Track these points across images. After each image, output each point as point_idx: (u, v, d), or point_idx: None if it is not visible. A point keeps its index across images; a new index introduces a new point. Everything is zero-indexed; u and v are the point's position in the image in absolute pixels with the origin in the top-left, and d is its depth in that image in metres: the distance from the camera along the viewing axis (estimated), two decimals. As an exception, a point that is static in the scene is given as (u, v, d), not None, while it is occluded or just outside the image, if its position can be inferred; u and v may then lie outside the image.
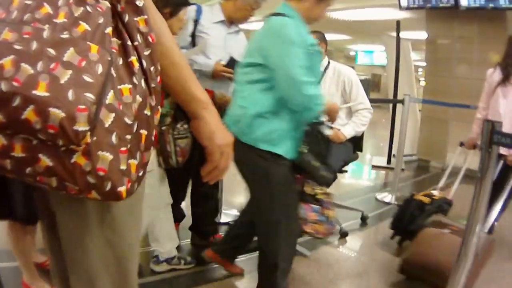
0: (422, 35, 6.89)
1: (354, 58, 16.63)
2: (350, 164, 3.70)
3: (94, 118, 0.73)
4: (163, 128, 2.34)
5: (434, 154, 6.79)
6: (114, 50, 0.81)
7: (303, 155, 2.09)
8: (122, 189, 0.81)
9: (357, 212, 3.98)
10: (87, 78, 0.72)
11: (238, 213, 3.64)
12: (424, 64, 7.44)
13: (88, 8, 0.79)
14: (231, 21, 2.99)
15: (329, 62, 3.43)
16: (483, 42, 5.91)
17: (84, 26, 0.77)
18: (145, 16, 0.88)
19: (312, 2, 2.06)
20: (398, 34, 6.34)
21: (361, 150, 3.62)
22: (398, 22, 6.29)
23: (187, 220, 3.23)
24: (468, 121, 6.30)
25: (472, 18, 5.86)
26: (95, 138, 0.75)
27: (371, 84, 18.57)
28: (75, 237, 0.98)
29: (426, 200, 3.27)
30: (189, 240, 3.21)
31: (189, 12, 2.82)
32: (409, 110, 4.85)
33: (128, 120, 0.80)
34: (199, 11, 2.92)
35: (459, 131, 6.19)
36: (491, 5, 5.39)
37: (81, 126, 0.71)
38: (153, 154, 2.20)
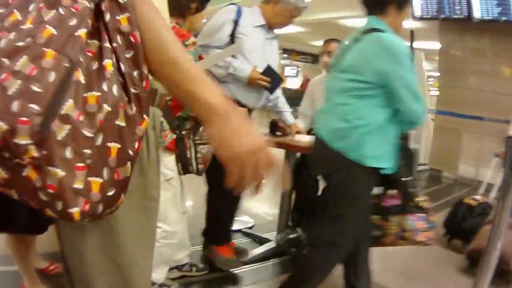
0: (435, 45, 6.88)
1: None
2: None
3: (40, 131, 0.67)
4: (183, 132, 2.23)
5: (446, 165, 6.74)
6: (90, 54, 0.75)
7: (400, 169, 2.09)
8: (74, 210, 0.73)
9: None
10: (35, 88, 0.67)
11: (249, 220, 3.74)
12: (435, 74, 7.43)
13: (61, 10, 0.74)
14: (270, 26, 2.86)
15: None
16: (496, 55, 5.91)
17: (50, 30, 0.72)
18: (128, 14, 0.80)
19: (394, 14, 2.05)
20: (411, 44, 6.32)
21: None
22: (412, 32, 6.27)
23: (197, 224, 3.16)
24: (481, 132, 6.36)
25: (485, 30, 5.85)
26: (45, 152, 0.69)
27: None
28: (72, 245, 0.95)
29: (474, 203, 3.68)
30: (201, 246, 3.11)
31: (229, 12, 2.75)
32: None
33: (87, 133, 0.73)
34: (239, 12, 2.77)
35: (472, 141, 6.18)
36: (504, 18, 5.39)
37: (22, 139, 0.66)
38: (172, 160, 2.19)
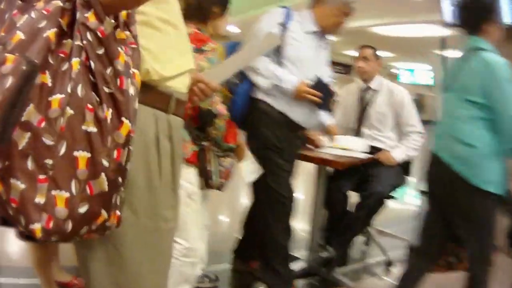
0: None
1: (396, 76, 16.33)
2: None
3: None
4: (204, 143, 2.07)
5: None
6: (62, 54, 0.71)
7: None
8: (36, 227, 0.68)
9: (403, 241, 3.71)
10: None
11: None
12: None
13: (33, 14, 0.71)
14: (323, 31, 2.53)
15: (382, 80, 3.31)
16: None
17: (19, 35, 0.69)
18: (93, 10, 0.75)
19: (494, 31, 2.04)
20: (443, 52, 6.13)
21: (408, 174, 3.44)
22: (443, 40, 6.09)
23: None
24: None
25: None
26: (7, 163, 0.66)
27: (416, 105, 18.13)
28: (81, 261, 0.94)
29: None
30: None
31: (275, 14, 2.48)
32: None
33: (48, 141, 0.67)
34: (288, 16, 2.47)
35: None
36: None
37: None
38: (193, 173, 2.09)
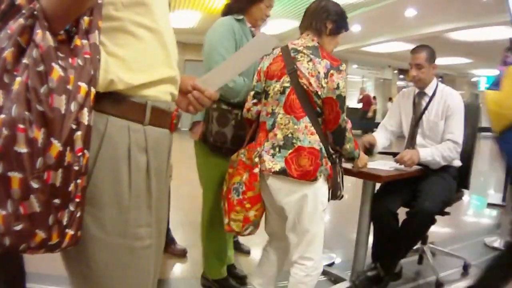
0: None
1: (477, 84, 15.49)
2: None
3: None
4: (334, 156, 2.15)
5: None
6: (16, 73, 0.72)
7: None
8: None
9: (459, 260, 3.47)
10: None
11: (331, 255, 3.48)
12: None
13: (1, 34, 0.74)
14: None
15: (437, 85, 3.09)
16: None
17: None
18: (38, 22, 0.75)
19: None
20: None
21: (467, 188, 3.21)
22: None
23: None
24: None
25: None
26: None
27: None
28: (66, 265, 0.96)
29: None
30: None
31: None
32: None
33: None
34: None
35: None
36: None
37: None
38: (325, 188, 2.10)
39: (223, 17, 2.51)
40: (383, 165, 2.81)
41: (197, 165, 2.67)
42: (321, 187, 2.06)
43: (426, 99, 3.07)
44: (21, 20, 0.74)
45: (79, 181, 0.79)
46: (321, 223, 2.12)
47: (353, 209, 3.29)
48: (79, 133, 0.77)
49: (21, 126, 0.70)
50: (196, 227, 3.53)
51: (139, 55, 0.93)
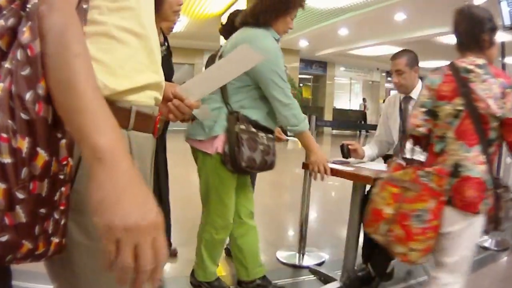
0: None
1: None
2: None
3: None
4: (499, 190, 1.98)
5: None
6: None
7: None
8: None
9: None
10: None
11: (322, 255, 3.53)
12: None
13: None
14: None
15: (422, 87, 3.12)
16: None
17: None
18: (30, 23, 0.70)
19: None
20: (504, 59, 5.80)
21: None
22: (502, 45, 5.75)
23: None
24: None
25: None
26: None
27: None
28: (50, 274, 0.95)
29: None
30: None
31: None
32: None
33: None
34: None
35: None
36: None
37: None
38: (482, 220, 2.00)
39: (265, 32, 2.43)
40: (374, 166, 2.82)
41: (203, 176, 2.57)
42: (480, 219, 1.98)
43: (413, 103, 3.04)
44: (1, 22, 0.70)
45: (63, 189, 0.77)
46: (470, 253, 2.03)
47: (343, 208, 3.30)
48: (63, 141, 0.75)
49: (4, 135, 0.67)
50: (184, 226, 3.51)
51: (124, 60, 0.90)
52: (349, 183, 2.87)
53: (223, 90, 2.42)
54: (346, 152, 3.00)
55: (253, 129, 2.41)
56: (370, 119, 21.64)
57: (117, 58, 0.89)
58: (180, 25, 12.62)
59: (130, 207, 0.66)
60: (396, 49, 3.29)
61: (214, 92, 2.28)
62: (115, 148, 0.69)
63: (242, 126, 2.37)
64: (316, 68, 22.07)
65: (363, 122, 21.19)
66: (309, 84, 23.39)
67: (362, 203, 2.85)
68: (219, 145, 2.40)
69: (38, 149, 0.70)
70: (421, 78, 2.97)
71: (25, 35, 0.69)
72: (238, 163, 2.34)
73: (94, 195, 0.67)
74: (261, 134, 2.44)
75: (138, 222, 0.66)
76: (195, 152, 2.57)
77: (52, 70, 0.69)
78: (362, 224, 2.89)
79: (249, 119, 2.41)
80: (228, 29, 3.01)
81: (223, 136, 2.39)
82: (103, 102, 0.71)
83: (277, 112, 2.46)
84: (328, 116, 21.11)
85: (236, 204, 2.64)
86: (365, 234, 2.98)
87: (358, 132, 20.61)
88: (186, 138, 2.56)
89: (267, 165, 2.46)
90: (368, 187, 2.91)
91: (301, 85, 20.73)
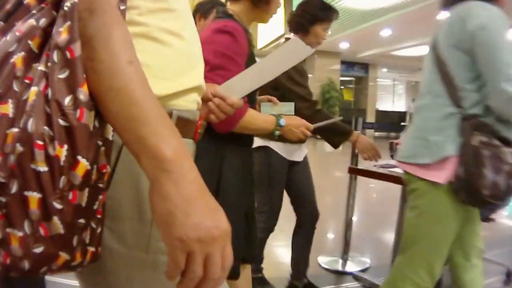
0: None
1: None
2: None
3: None
4: None
5: None
6: (27, 81, 0.65)
7: None
8: None
9: (500, 267, 3.33)
10: None
11: (365, 260, 3.44)
12: None
13: (8, 37, 0.67)
14: None
15: None
16: None
17: None
18: (69, 23, 0.65)
19: None
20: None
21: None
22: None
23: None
24: None
25: None
26: None
27: None
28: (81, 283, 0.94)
29: None
30: None
31: None
32: None
33: (1, 178, 0.63)
34: None
35: None
36: None
37: None
38: None
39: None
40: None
41: (417, 211, 1.88)
42: None
43: None
44: (31, 21, 0.67)
45: (100, 197, 0.75)
46: None
47: (386, 212, 3.22)
48: (103, 148, 0.72)
49: (39, 142, 0.63)
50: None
51: (165, 63, 0.88)
52: (390, 187, 2.79)
53: (448, 86, 1.78)
54: (395, 151, 2.93)
55: (497, 142, 1.69)
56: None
57: (158, 61, 0.87)
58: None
59: (202, 218, 0.65)
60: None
61: (431, 91, 1.84)
62: (182, 158, 0.67)
63: (484, 138, 1.68)
64: (358, 70, 21.83)
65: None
66: (351, 86, 23.13)
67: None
68: (451, 169, 1.73)
69: (79, 157, 0.66)
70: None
71: (62, 36, 0.65)
72: (477, 192, 1.67)
73: (160, 207, 0.66)
74: (505, 148, 1.70)
75: (210, 232, 0.65)
76: (411, 178, 1.89)
77: (101, 77, 0.66)
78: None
79: (491, 128, 1.71)
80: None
81: (456, 157, 1.72)
82: (163, 110, 0.69)
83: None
84: (370, 118, 20.82)
85: (462, 244, 2.01)
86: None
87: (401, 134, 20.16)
88: (398, 159, 1.97)
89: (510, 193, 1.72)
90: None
91: (341, 87, 20.53)
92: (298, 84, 2.50)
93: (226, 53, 1.63)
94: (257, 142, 2.53)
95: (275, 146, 2.58)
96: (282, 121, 1.83)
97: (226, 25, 1.72)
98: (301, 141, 2.57)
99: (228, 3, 1.90)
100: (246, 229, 1.90)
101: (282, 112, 1.99)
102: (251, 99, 1.81)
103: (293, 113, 2.04)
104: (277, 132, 1.83)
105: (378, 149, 2.65)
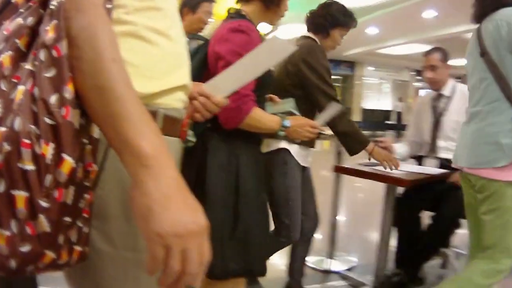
0: None
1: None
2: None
3: None
4: None
5: None
6: (15, 80, 0.65)
7: None
8: None
9: None
10: None
11: (352, 259, 3.44)
12: None
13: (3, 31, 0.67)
14: None
15: (454, 85, 3.05)
16: None
17: None
18: (55, 21, 0.65)
19: None
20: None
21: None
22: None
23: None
24: None
25: None
26: None
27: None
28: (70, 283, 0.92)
29: None
30: None
31: None
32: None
33: None
34: None
35: None
36: None
37: None
38: None
39: None
40: (406, 167, 2.74)
41: (498, 212, 1.96)
42: None
43: (444, 100, 3.02)
44: (19, 20, 0.67)
45: (87, 196, 0.74)
46: None
47: (372, 211, 3.22)
48: (89, 147, 0.72)
49: (26, 141, 0.63)
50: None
51: (152, 61, 0.88)
52: (375, 186, 2.78)
53: (502, 83, 1.89)
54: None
55: None
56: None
57: (145, 60, 0.86)
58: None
59: (179, 214, 0.66)
60: (426, 47, 3.22)
61: (488, 97, 1.94)
62: (161, 154, 0.67)
63: None
64: (344, 68, 21.91)
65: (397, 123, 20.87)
66: (338, 84, 23.22)
67: (395, 205, 2.79)
68: None
69: (64, 155, 0.66)
70: (459, 77, 2.90)
71: (49, 35, 0.65)
72: None
73: (139, 203, 0.66)
74: None
75: (188, 228, 0.66)
76: (486, 183, 1.97)
77: (85, 75, 0.66)
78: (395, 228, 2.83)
79: None
80: None
81: None
82: (143, 107, 0.69)
83: None
84: (356, 116, 20.92)
85: None
86: (398, 239, 2.93)
87: (387, 132, 20.40)
88: (467, 165, 2.05)
89: None
90: (400, 189, 2.84)
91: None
92: (327, 84, 2.41)
93: (242, 53, 1.63)
94: (275, 144, 2.43)
95: (293, 150, 2.44)
96: (287, 122, 1.84)
97: (241, 24, 1.77)
98: (312, 143, 2.51)
99: (239, 4, 1.93)
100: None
101: (286, 109, 2.00)
102: (260, 99, 1.81)
103: (297, 109, 2.03)
104: (281, 133, 1.84)
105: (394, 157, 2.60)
